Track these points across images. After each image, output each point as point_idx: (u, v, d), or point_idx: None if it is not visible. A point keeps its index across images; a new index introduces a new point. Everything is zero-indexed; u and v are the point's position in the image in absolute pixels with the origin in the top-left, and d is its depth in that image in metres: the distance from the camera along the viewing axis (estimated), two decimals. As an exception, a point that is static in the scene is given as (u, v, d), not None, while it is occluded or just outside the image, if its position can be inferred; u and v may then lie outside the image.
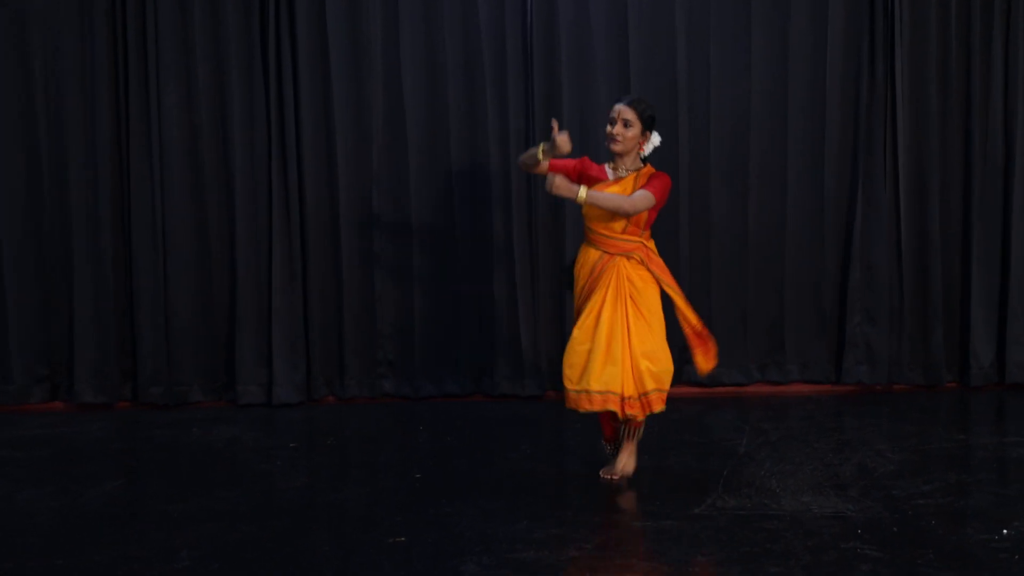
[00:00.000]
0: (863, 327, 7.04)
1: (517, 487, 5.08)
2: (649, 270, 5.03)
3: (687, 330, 5.14)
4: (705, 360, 5.17)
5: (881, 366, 7.04)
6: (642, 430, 5.16)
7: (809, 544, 4.18)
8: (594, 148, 6.88)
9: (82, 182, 6.82)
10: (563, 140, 4.87)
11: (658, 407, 4.99)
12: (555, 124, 5.00)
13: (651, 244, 5.12)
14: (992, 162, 7.01)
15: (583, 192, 4.85)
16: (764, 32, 6.97)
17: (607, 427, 5.24)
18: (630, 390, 4.94)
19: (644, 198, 4.92)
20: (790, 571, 3.92)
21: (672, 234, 6.98)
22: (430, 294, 7.00)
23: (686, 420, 6.35)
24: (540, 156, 4.97)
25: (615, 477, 5.11)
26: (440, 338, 7.03)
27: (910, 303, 7.08)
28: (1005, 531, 4.32)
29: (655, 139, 5.08)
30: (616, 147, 5.02)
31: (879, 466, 5.28)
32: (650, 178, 5.02)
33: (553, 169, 5.08)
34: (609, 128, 5.02)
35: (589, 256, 5.09)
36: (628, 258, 5.02)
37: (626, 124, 4.98)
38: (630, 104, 5.00)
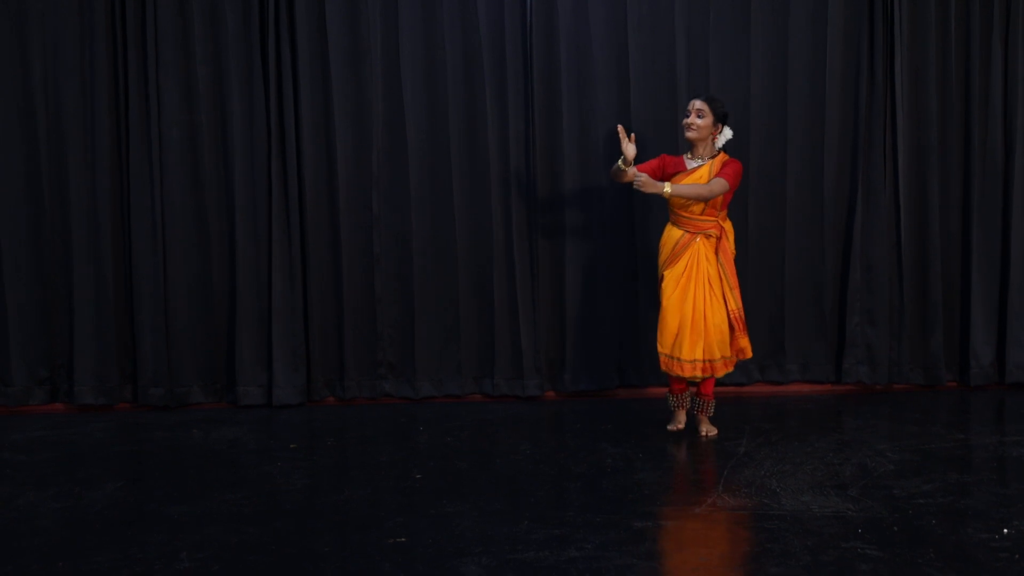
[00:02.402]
0: (863, 327, 7.05)
1: (517, 488, 5.09)
2: (715, 254, 5.86)
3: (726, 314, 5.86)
4: (737, 351, 5.93)
5: (881, 366, 7.05)
6: (712, 404, 6.02)
7: (809, 544, 4.19)
8: (594, 149, 6.91)
9: (82, 183, 6.82)
10: (629, 149, 5.79)
11: (724, 370, 5.91)
12: (621, 131, 5.88)
13: (727, 224, 5.98)
14: (992, 162, 7.02)
15: (667, 187, 5.68)
16: (763, 34, 6.97)
17: (677, 384, 6.01)
18: (710, 355, 5.81)
19: (720, 184, 5.71)
20: (790, 571, 3.92)
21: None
22: (430, 295, 7.00)
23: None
24: (623, 167, 5.83)
25: (680, 427, 6.09)
26: (440, 339, 7.03)
27: (910, 303, 7.08)
28: (1005, 531, 4.32)
29: (727, 132, 5.89)
30: (691, 134, 5.84)
31: (879, 466, 5.29)
32: (724, 164, 5.81)
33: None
34: (685, 119, 5.86)
35: (672, 234, 5.91)
36: (707, 236, 5.85)
37: (700, 115, 5.80)
38: (705, 99, 5.84)
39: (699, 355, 5.79)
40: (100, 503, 4.94)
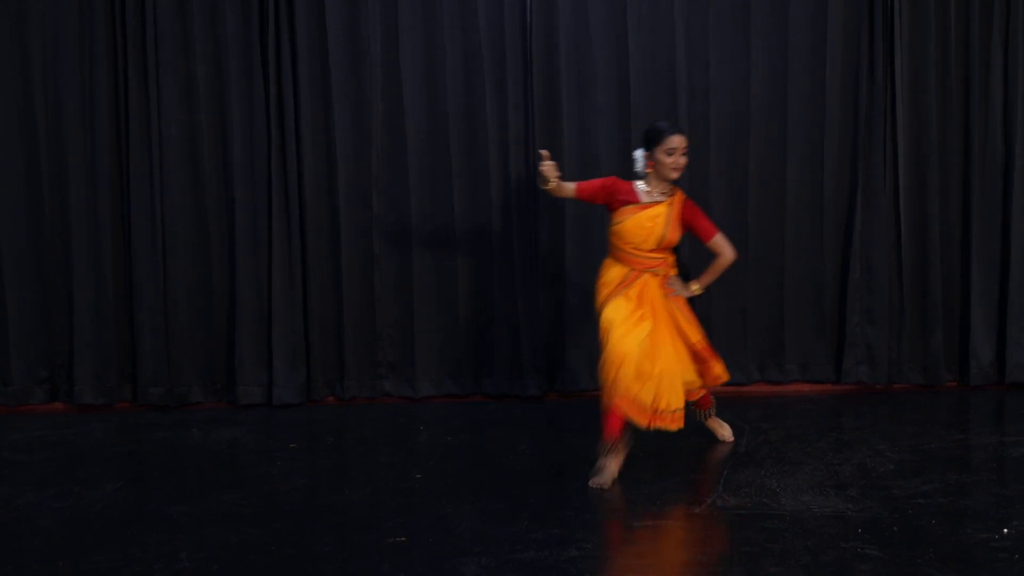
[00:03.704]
0: (863, 327, 7.05)
1: (517, 487, 5.09)
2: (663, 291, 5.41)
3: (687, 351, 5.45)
4: (711, 379, 5.56)
5: (881, 366, 7.05)
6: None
7: (809, 544, 4.19)
8: (592, 150, 6.91)
9: (82, 183, 6.82)
10: (546, 169, 5.25)
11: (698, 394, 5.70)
12: (544, 154, 5.34)
13: (671, 259, 5.49)
14: (992, 162, 7.01)
15: (697, 287, 5.46)
16: (763, 33, 6.97)
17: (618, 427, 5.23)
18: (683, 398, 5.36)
19: (721, 241, 5.47)
20: (790, 571, 3.93)
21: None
22: (430, 295, 7.00)
23: (686, 420, 6.34)
24: (541, 186, 5.36)
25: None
26: (440, 339, 7.03)
27: (910, 303, 7.08)
28: (1005, 530, 4.32)
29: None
30: (676, 175, 5.36)
31: (879, 466, 5.29)
32: (693, 209, 5.43)
33: (581, 191, 5.43)
34: (671, 159, 5.30)
35: (615, 272, 5.44)
36: (654, 274, 5.40)
37: (684, 153, 5.33)
38: (683, 132, 5.35)
39: (682, 403, 5.26)
40: (100, 503, 4.94)
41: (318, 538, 4.42)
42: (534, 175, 6.93)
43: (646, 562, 4.05)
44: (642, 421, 5.14)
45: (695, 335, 5.41)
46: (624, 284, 5.35)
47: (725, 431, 5.88)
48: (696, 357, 5.44)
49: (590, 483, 5.08)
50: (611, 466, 5.15)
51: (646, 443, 5.77)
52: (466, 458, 5.68)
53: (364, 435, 6.28)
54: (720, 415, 6.20)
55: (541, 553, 4.13)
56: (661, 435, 5.94)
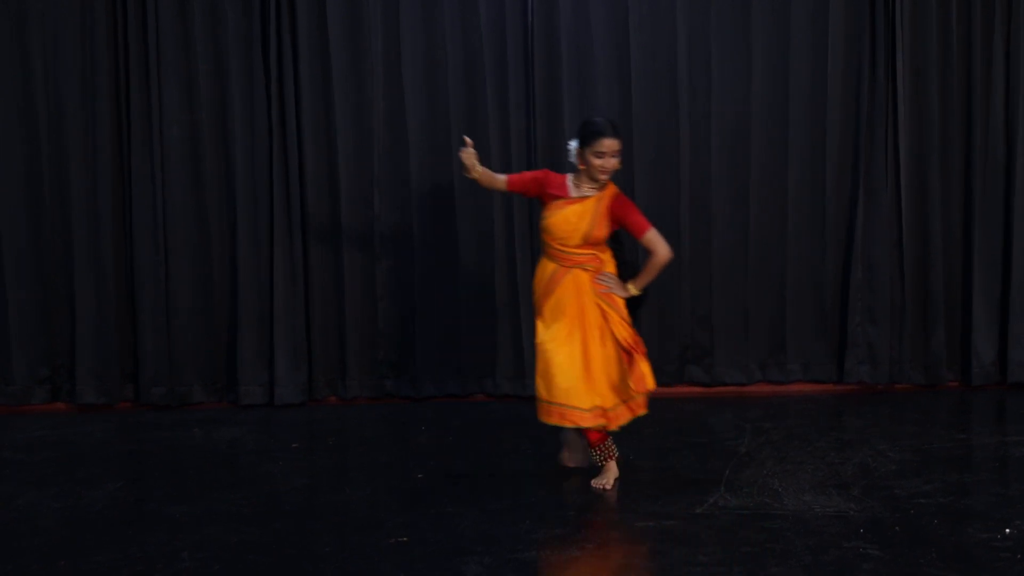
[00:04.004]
0: (864, 326, 7.04)
1: (519, 487, 5.09)
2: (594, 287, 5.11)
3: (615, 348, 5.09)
4: (636, 381, 5.07)
5: (882, 365, 7.04)
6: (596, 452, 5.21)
7: (811, 543, 4.19)
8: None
9: (83, 182, 6.82)
10: (464, 157, 5.22)
11: (630, 415, 5.12)
12: (467, 141, 5.29)
13: (606, 255, 5.19)
14: (993, 161, 7.00)
15: (633, 289, 5.13)
16: (764, 33, 6.96)
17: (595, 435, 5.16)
18: (604, 402, 5.05)
19: (654, 237, 5.08)
20: (791, 571, 3.92)
21: (674, 234, 6.95)
22: (431, 294, 6.99)
23: (687, 420, 6.35)
24: (466, 176, 5.28)
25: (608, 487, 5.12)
26: (441, 338, 7.02)
27: (911, 302, 7.07)
28: (1007, 530, 4.32)
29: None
30: (605, 178, 5.08)
31: (880, 465, 5.28)
32: (623, 205, 5.11)
33: (512, 183, 5.29)
34: (600, 162, 5.02)
35: (546, 268, 5.20)
36: (583, 270, 5.11)
37: (616, 155, 5.05)
38: (616, 135, 5.04)
39: (597, 402, 5.01)
40: (101, 502, 4.94)
41: (319, 538, 4.42)
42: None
43: (647, 562, 4.05)
44: (551, 418, 5.03)
45: (624, 331, 5.06)
46: (554, 281, 5.13)
47: (580, 457, 5.41)
48: (626, 356, 5.05)
49: (592, 484, 5.07)
50: (610, 467, 5.14)
51: (647, 442, 5.78)
52: (468, 458, 5.68)
53: (365, 435, 6.28)
54: (722, 415, 6.20)
55: (543, 553, 4.13)
56: (662, 435, 5.95)
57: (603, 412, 5.03)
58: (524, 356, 6.95)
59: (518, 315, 6.95)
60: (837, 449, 5.62)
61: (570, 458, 5.42)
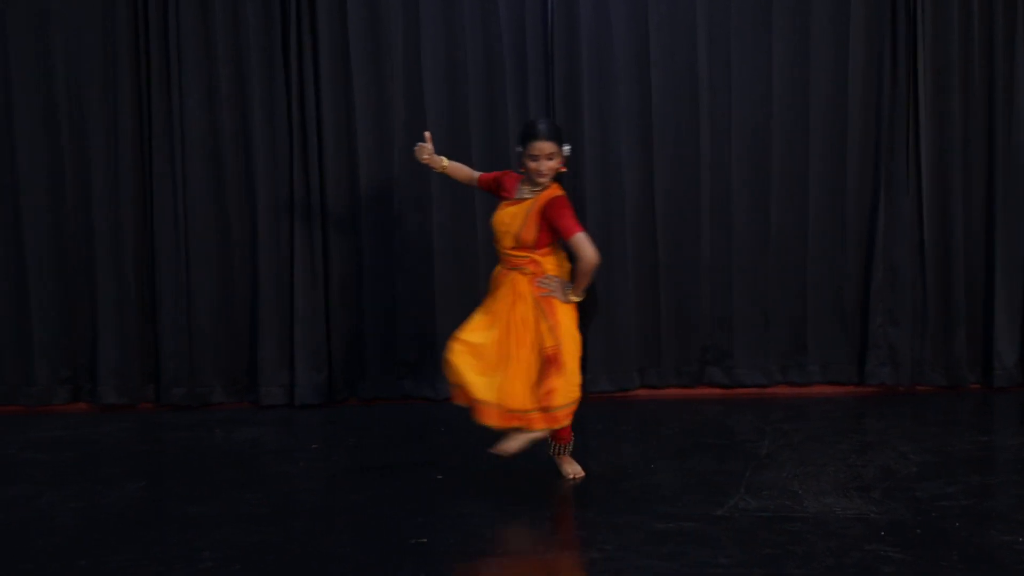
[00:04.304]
0: (885, 328, 7.00)
1: (538, 488, 5.08)
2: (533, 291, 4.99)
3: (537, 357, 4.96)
4: (542, 395, 4.89)
5: (904, 367, 7.00)
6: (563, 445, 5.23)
7: (832, 546, 4.17)
8: (615, 149, 6.89)
9: (104, 184, 6.85)
10: (417, 149, 5.39)
11: (544, 424, 4.93)
12: (426, 135, 5.43)
13: (550, 260, 5.04)
14: (1015, 161, 6.96)
15: (573, 296, 4.96)
16: (785, 33, 6.93)
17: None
18: (511, 404, 4.91)
19: (580, 241, 4.86)
20: (812, 573, 3.91)
21: (693, 235, 6.97)
22: (451, 295, 6.99)
23: (707, 421, 6.33)
24: (435, 168, 5.44)
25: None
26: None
27: (933, 304, 7.03)
28: (1030, 533, 4.30)
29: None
30: (542, 180, 4.98)
31: (902, 468, 5.26)
32: (555, 208, 4.93)
33: (481, 180, 5.35)
34: (534, 165, 4.94)
35: (496, 269, 5.17)
36: (521, 272, 5.01)
37: (550, 158, 4.95)
38: (550, 137, 4.94)
39: (492, 398, 4.88)
40: (121, 502, 4.96)
41: (338, 538, 4.43)
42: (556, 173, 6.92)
43: (667, 564, 4.03)
44: (492, 421, 4.91)
45: (551, 341, 4.89)
46: (496, 281, 5.11)
47: (573, 468, 5.27)
48: (544, 365, 4.90)
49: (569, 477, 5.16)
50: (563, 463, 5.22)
51: (667, 444, 5.77)
52: (487, 459, 5.67)
53: (385, 436, 6.28)
54: (742, 417, 6.17)
55: (562, 554, 4.12)
56: (682, 436, 5.93)
57: (513, 414, 4.88)
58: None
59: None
60: (858, 451, 5.60)
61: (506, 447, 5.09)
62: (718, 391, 7.04)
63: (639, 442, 5.89)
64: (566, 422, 4.97)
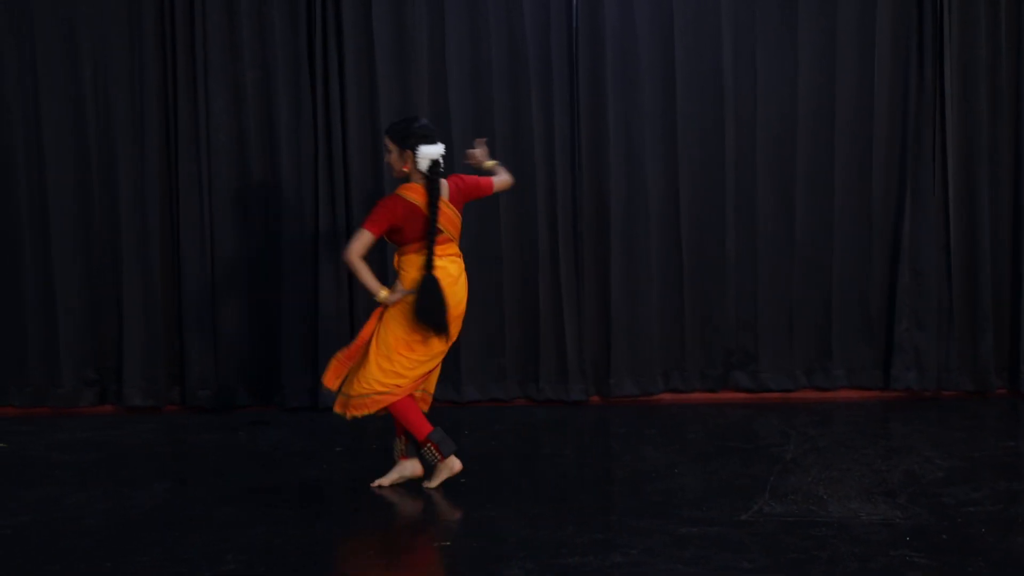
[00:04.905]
0: (911, 332, 6.97)
1: (562, 492, 5.08)
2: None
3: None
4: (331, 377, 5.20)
5: (930, 372, 6.97)
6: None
7: (857, 551, 4.15)
8: (639, 151, 6.89)
9: (131, 188, 6.89)
10: (471, 154, 5.47)
11: (352, 411, 5.14)
12: (477, 142, 5.52)
13: (403, 258, 5.24)
14: (1043, 165, 6.93)
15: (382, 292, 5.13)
16: (810, 35, 6.92)
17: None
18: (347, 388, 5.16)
19: (354, 238, 5.10)
20: (837, 578, 3.89)
21: (719, 238, 6.96)
22: (475, 299, 6.94)
23: (732, 425, 6.32)
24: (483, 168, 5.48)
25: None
26: (485, 343, 7.03)
27: (959, 308, 6.99)
28: (1057, 539, 4.27)
29: (424, 152, 5.07)
30: (394, 174, 5.18)
31: (928, 473, 5.23)
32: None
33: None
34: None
35: None
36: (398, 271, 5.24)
37: (387, 150, 5.14)
38: (385, 133, 5.20)
39: (368, 390, 5.12)
40: (147, 504, 4.98)
41: (363, 541, 4.43)
42: (579, 177, 6.93)
43: (691, 569, 4.02)
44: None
45: (366, 332, 5.18)
46: None
47: (415, 468, 5.30)
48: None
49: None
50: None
51: (691, 448, 5.75)
52: (510, 462, 5.68)
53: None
54: (767, 421, 6.15)
55: (585, 558, 4.12)
56: (705, 440, 5.92)
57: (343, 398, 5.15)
58: (567, 361, 6.94)
59: (561, 319, 6.94)
60: (883, 456, 5.57)
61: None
62: (743, 395, 7.02)
63: (663, 446, 5.87)
64: (358, 412, 5.10)
